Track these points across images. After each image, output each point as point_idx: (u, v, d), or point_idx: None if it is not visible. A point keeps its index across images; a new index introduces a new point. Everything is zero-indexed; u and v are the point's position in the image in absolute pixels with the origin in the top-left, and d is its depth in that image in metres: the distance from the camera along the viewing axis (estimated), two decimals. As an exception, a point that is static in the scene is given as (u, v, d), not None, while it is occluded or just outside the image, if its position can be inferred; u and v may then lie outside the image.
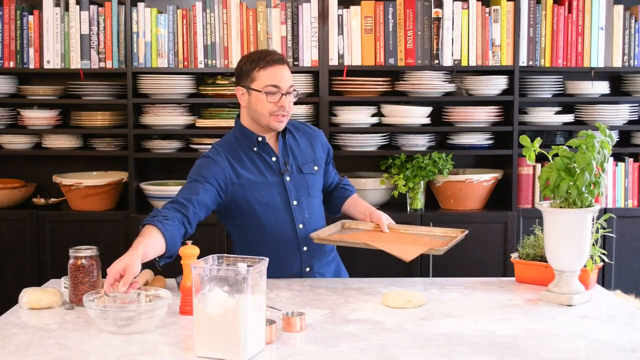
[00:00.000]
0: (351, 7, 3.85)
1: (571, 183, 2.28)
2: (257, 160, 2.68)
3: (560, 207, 2.31)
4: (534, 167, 3.91)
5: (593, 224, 2.38)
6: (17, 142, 3.97)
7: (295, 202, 2.69)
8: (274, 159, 2.70)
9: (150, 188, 3.88)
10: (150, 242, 2.27)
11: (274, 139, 2.73)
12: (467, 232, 2.64)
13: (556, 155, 2.34)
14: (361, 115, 3.88)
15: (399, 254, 2.43)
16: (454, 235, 2.64)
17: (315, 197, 2.78)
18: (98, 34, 3.84)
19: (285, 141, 2.73)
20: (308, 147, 2.79)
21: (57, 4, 3.86)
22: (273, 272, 2.69)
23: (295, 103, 3.80)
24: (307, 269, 2.74)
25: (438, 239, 2.64)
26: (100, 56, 3.85)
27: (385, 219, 2.72)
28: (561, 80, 3.99)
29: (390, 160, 3.93)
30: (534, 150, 2.38)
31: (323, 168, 2.84)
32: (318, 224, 2.76)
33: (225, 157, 2.64)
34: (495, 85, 3.86)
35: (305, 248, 2.71)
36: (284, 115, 2.63)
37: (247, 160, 2.67)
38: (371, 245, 2.51)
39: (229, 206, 2.66)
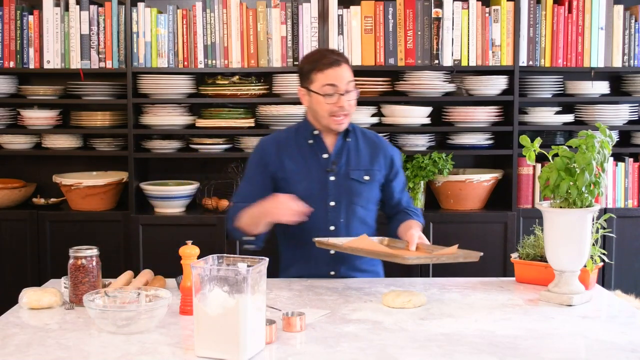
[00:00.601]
0: (351, 7, 3.85)
1: (571, 183, 2.28)
2: (308, 154, 2.71)
3: (560, 207, 2.31)
4: (534, 167, 3.91)
5: (593, 224, 2.38)
6: (17, 142, 3.97)
7: (332, 203, 2.68)
8: (325, 155, 2.71)
9: (150, 188, 3.88)
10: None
11: (333, 138, 2.73)
12: (481, 254, 2.45)
13: (556, 155, 2.34)
14: (361, 115, 3.88)
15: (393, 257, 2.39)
16: (467, 255, 2.47)
17: (359, 207, 2.72)
18: (98, 34, 3.84)
19: (345, 142, 2.73)
20: (367, 156, 2.75)
21: (57, 4, 3.86)
22: (301, 271, 2.72)
23: (295, 103, 3.85)
24: (332, 273, 2.71)
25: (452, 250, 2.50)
26: (100, 56, 3.85)
27: (416, 237, 2.55)
28: (561, 80, 3.99)
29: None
30: (534, 150, 2.38)
31: (379, 182, 2.76)
32: (354, 233, 2.68)
33: (273, 146, 2.72)
34: (495, 85, 3.86)
35: (332, 251, 2.67)
36: (344, 116, 2.65)
37: (298, 152, 2.70)
38: (359, 250, 2.44)
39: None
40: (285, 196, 2.49)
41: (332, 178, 2.70)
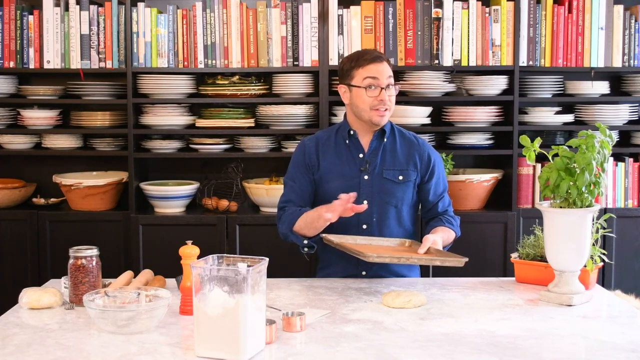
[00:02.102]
0: (351, 7, 3.85)
1: (571, 183, 2.28)
2: (345, 153, 2.76)
3: (560, 207, 2.31)
4: (534, 167, 3.91)
5: (593, 224, 2.38)
6: (17, 142, 3.97)
7: (365, 202, 2.68)
8: (360, 155, 2.76)
9: (150, 188, 3.88)
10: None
11: (369, 137, 2.77)
12: (466, 259, 2.44)
13: (556, 155, 2.34)
14: (361, 115, 3.88)
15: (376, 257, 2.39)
16: (445, 260, 2.46)
17: (392, 206, 2.73)
18: (98, 34, 3.84)
19: (382, 142, 2.76)
20: (403, 156, 2.77)
21: (57, 4, 3.86)
22: (332, 271, 2.75)
23: (295, 103, 3.85)
24: (363, 273, 2.72)
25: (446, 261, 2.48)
26: (100, 56, 3.85)
27: (429, 242, 2.54)
28: (561, 80, 3.99)
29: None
30: (534, 150, 2.38)
31: (414, 182, 2.76)
32: (387, 232, 2.72)
33: (313, 145, 2.79)
34: (495, 85, 3.86)
35: None
36: (385, 110, 2.69)
37: (335, 151, 2.77)
38: (355, 252, 2.43)
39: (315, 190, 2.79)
40: (338, 204, 2.50)
41: (365, 177, 2.74)
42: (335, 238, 2.56)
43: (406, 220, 2.79)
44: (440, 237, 2.62)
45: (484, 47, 3.84)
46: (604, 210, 3.73)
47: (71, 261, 2.28)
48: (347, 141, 2.77)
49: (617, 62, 3.89)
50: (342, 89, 2.77)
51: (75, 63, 3.85)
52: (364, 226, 2.73)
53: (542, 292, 2.38)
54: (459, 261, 2.41)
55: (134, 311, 2.02)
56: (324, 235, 2.57)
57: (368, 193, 2.72)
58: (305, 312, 2.12)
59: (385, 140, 2.77)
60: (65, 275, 2.34)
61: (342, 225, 2.66)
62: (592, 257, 2.45)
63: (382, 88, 2.67)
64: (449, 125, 3.95)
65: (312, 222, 2.58)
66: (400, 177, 2.74)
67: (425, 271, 3.77)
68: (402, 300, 2.28)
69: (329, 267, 2.79)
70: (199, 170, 4.11)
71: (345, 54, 3.82)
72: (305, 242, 2.65)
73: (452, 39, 3.84)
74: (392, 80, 2.71)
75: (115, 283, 2.39)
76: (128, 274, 2.48)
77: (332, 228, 2.63)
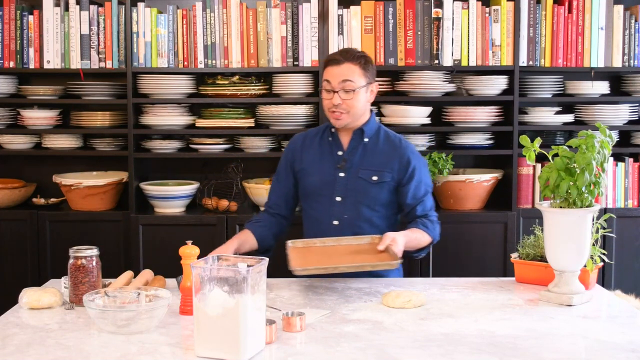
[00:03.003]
0: (351, 7, 3.85)
1: (571, 183, 2.28)
2: (326, 150, 2.82)
3: (560, 207, 2.31)
4: (534, 167, 3.91)
5: (593, 224, 2.38)
6: (17, 142, 3.97)
7: (339, 199, 2.73)
8: (339, 152, 2.80)
9: (150, 188, 3.88)
10: (244, 238, 2.72)
11: (349, 136, 2.81)
12: (400, 261, 2.43)
13: (556, 155, 2.34)
14: (361, 115, 3.88)
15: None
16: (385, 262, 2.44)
17: (365, 206, 2.74)
18: (98, 34, 3.84)
19: (361, 142, 2.79)
20: (382, 157, 2.78)
21: (57, 4, 3.86)
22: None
23: (295, 103, 3.85)
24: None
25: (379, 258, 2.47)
26: (100, 56, 3.85)
27: (388, 239, 2.49)
28: (561, 80, 3.99)
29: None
30: (534, 150, 2.38)
31: (390, 184, 2.76)
32: (358, 231, 2.72)
33: (300, 141, 2.88)
34: (495, 85, 3.86)
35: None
36: (340, 113, 2.72)
37: (317, 149, 2.83)
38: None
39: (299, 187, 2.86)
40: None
41: (341, 174, 2.77)
42: (302, 243, 2.62)
43: (380, 221, 2.77)
44: (405, 236, 2.56)
45: (484, 47, 3.84)
46: (604, 210, 3.73)
47: (71, 261, 2.28)
48: (330, 138, 2.83)
49: (617, 62, 3.89)
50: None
51: (75, 63, 3.85)
52: (335, 222, 2.75)
53: (542, 292, 2.38)
54: (390, 264, 2.38)
55: (134, 311, 2.02)
56: (291, 241, 2.61)
57: (342, 190, 2.75)
58: (305, 312, 2.12)
59: (367, 140, 2.79)
60: (65, 275, 2.34)
61: (315, 221, 2.76)
62: (592, 257, 2.45)
63: (334, 91, 2.70)
64: (449, 125, 3.95)
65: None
66: (375, 178, 2.75)
67: (425, 271, 3.78)
68: (402, 300, 2.28)
69: None
70: (199, 170, 4.11)
71: (345, 54, 3.83)
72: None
73: (452, 39, 3.83)
74: (347, 84, 2.69)
75: (115, 283, 2.39)
76: (128, 274, 2.48)
77: (310, 221, 2.76)
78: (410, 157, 2.78)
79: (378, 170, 2.75)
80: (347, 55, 2.73)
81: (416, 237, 2.65)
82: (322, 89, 2.75)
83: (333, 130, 2.81)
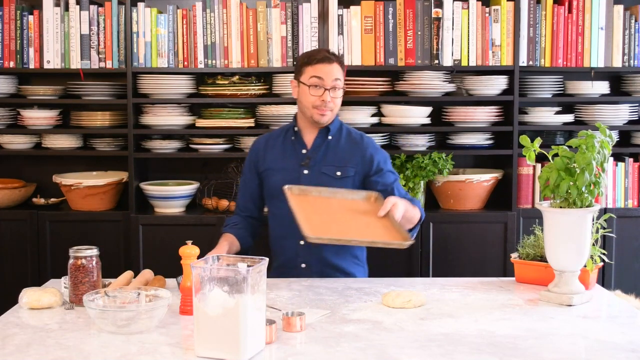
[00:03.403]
0: (351, 7, 3.85)
1: (571, 183, 2.28)
2: (289, 149, 2.86)
3: (560, 207, 2.31)
4: (534, 167, 3.91)
5: (593, 224, 2.38)
6: (17, 142, 3.97)
7: None
8: (303, 151, 2.84)
9: (150, 188, 3.88)
10: (231, 240, 2.76)
11: (313, 134, 2.84)
12: (412, 241, 2.38)
13: (556, 155, 2.34)
14: (361, 115, 3.88)
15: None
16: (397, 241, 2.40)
17: None
18: (98, 34, 3.84)
19: (325, 139, 2.83)
20: (345, 154, 2.84)
21: (57, 4, 3.86)
22: (274, 263, 2.83)
23: (295, 103, 3.83)
24: (303, 265, 2.78)
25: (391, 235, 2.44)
26: (100, 56, 3.85)
27: (390, 204, 2.51)
28: (561, 80, 3.99)
29: (390, 160, 3.92)
30: (534, 150, 2.38)
31: (353, 180, 2.81)
32: None
33: (262, 142, 2.92)
34: (495, 85, 3.86)
35: (302, 242, 2.74)
36: (327, 110, 2.77)
37: (281, 149, 2.86)
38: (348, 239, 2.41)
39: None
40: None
41: (305, 172, 2.81)
42: (298, 190, 2.62)
43: None
44: (405, 203, 2.59)
45: (484, 47, 3.84)
46: (604, 210, 3.73)
47: (71, 261, 2.28)
48: (292, 138, 2.86)
49: (617, 62, 3.89)
50: (293, 84, 2.86)
51: (75, 63, 3.85)
52: None
53: (542, 292, 2.38)
54: (402, 244, 2.35)
55: (134, 311, 2.02)
56: (288, 186, 2.62)
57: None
58: (305, 312, 2.12)
59: (330, 138, 2.84)
60: (65, 275, 2.34)
61: (282, 220, 2.77)
62: (592, 257, 2.45)
63: (326, 89, 2.75)
64: (449, 125, 3.95)
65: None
66: (338, 173, 2.81)
67: (425, 271, 3.78)
68: (402, 300, 2.28)
69: (276, 260, 2.89)
70: (199, 170, 4.11)
71: (346, 54, 3.83)
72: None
73: (452, 39, 3.83)
74: (338, 83, 2.77)
75: (115, 283, 2.39)
76: (128, 274, 2.48)
77: (276, 220, 2.81)
78: (373, 152, 2.86)
79: (341, 166, 2.82)
80: (334, 55, 2.82)
81: (411, 210, 2.67)
82: (309, 85, 2.75)
83: (296, 129, 2.85)
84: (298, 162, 2.82)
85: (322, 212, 2.54)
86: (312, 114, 2.78)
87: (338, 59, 2.81)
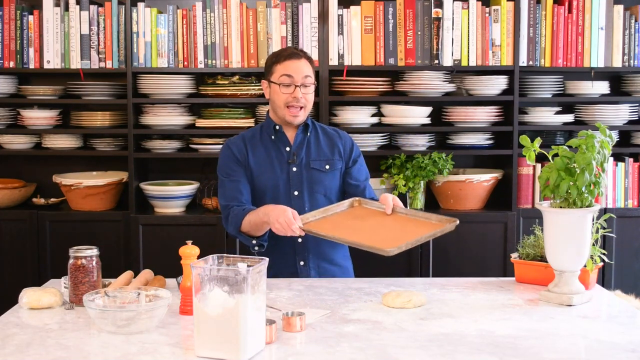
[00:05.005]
0: (351, 7, 3.85)
1: (571, 183, 2.28)
2: (272, 149, 2.83)
3: (560, 207, 2.31)
4: (534, 167, 3.91)
5: (593, 224, 2.38)
6: (17, 142, 3.97)
7: (296, 193, 2.78)
8: (287, 149, 2.83)
9: (150, 188, 3.88)
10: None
11: (293, 132, 2.84)
12: (457, 221, 2.51)
13: (556, 155, 2.34)
14: (361, 115, 3.88)
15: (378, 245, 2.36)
16: (442, 225, 2.51)
17: (321, 195, 2.82)
18: (98, 34, 3.84)
19: (305, 136, 2.84)
20: (327, 147, 2.87)
21: (57, 4, 3.86)
22: (271, 264, 2.78)
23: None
24: (301, 263, 2.78)
25: (428, 225, 2.52)
26: (100, 56, 3.85)
27: (390, 199, 2.63)
28: (561, 80, 3.99)
29: (390, 160, 3.93)
30: (534, 150, 2.38)
31: (340, 170, 2.86)
32: None
33: (240, 143, 2.83)
34: (495, 85, 3.86)
35: (300, 240, 2.74)
36: (300, 108, 2.76)
37: (263, 149, 2.82)
38: (347, 240, 2.44)
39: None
40: (286, 210, 2.54)
41: (294, 169, 2.81)
42: (312, 227, 2.55)
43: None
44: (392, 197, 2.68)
45: (484, 47, 3.84)
46: (604, 210, 3.73)
47: (71, 261, 2.28)
48: (272, 136, 2.84)
49: (617, 62, 3.89)
50: (264, 85, 2.85)
51: (75, 63, 3.85)
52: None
53: (542, 292, 2.38)
54: (452, 226, 2.49)
55: (134, 311, 2.02)
56: (305, 226, 2.54)
57: (298, 184, 2.80)
58: (305, 312, 2.12)
59: (308, 134, 2.85)
60: (65, 275, 2.34)
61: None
62: (592, 257, 2.45)
63: (296, 86, 2.74)
64: (449, 125, 3.95)
65: (257, 225, 2.65)
66: (327, 166, 2.83)
67: (425, 271, 3.78)
68: (402, 300, 2.28)
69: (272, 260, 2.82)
70: (199, 170, 4.11)
71: (346, 54, 3.83)
72: (254, 242, 2.72)
73: (452, 39, 3.84)
74: (308, 80, 2.78)
75: (115, 283, 2.39)
76: (128, 274, 2.48)
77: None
78: (351, 142, 2.91)
79: (328, 159, 2.84)
80: (302, 51, 2.83)
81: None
82: (279, 83, 2.74)
83: (277, 127, 2.83)
84: (284, 160, 2.82)
85: (348, 227, 2.53)
86: (284, 115, 2.77)
87: (306, 55, 2.81)
